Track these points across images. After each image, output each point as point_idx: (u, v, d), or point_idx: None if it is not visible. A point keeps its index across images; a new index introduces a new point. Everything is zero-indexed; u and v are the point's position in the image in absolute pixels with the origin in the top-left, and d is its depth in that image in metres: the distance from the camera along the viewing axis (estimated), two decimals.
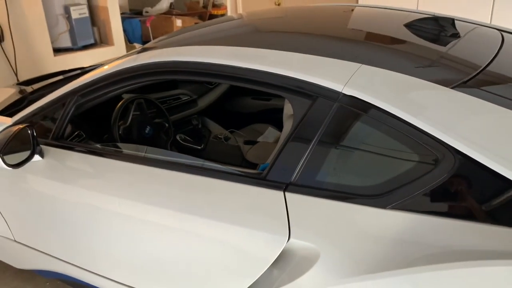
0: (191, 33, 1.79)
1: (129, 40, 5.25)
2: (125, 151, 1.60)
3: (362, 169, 1.14)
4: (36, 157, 1.54)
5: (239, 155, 2.15)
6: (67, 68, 2.64)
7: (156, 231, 1.34)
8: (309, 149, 1.14)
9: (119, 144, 1.71)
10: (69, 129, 1.70)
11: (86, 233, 1.52)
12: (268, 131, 2.62)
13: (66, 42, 4.32)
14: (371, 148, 1.13)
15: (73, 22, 4.24)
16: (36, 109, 1.66)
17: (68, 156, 1.54)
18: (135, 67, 1.47)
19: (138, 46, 5.24)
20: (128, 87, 1.56)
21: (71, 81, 1.65)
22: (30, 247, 1.77)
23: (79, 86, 1.57)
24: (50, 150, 1.57)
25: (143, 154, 1.52)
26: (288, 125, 1.45)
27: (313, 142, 1.14)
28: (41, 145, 1.57)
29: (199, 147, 2.20)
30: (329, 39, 1.56)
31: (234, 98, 2.76)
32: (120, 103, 1.83)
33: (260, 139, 2.49)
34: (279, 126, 2.72)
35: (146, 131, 1.89)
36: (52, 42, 4.11)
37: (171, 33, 1.93)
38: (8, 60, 3.79)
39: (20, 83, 2.47)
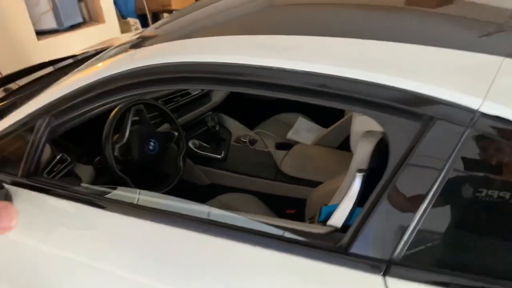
0: (209, 8, 1.27)
1: (122, 15, 4.67)
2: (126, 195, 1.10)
3: None
4: None
5: (272, 166, 1.69)
6: (53, 55, 2.14)
7: None
8: (424, 205, 0.68)
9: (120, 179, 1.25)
10: (48, 152, 1.26)
11: None
12: (299, 122, 2.15)
13: (50, 23, 3.77)
14: None
15: None
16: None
17: (44, 201, 1.09)
18: (132, 72, 0.99)
19: (132, 21, 4.67)
20: (123, 99, 1.09)
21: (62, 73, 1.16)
22: None
23: (52, 103, 1.10)
24: (19, 193, 1.11)
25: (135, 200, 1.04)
26: (362, 152, 0.98)
27: (431, 194, 0.68)
28: (6, 186, 1.12)
29: (219, 156, 1.73)
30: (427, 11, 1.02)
31: None
32: (113, 113, 1.35)
33: (290, 134, 2.02)
34: (310, 114, 2.27)
35: (151, 147, 1.42)
36: (34, 24, 3.57)
37: (180, 11, 1.41)
38: None
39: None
